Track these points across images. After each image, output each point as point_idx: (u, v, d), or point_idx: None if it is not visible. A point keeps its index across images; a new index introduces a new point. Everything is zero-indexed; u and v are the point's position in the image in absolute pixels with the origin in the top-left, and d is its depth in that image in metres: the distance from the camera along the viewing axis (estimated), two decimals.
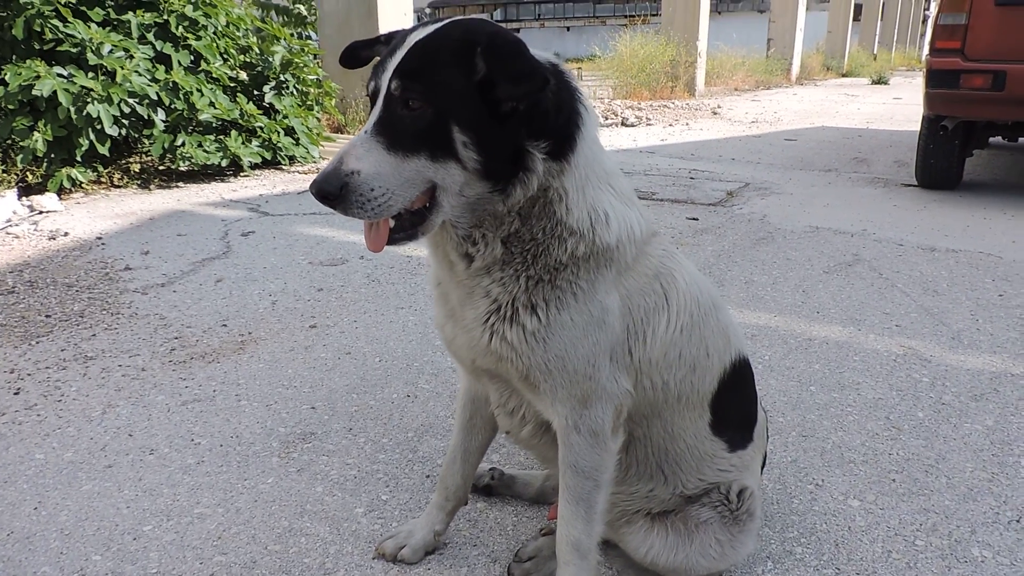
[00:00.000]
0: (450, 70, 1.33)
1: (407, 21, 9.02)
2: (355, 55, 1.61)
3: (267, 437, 2.51)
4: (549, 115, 1.37)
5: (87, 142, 5.53)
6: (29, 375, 2.92)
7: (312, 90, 7.50)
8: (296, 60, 7.10)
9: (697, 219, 5.47)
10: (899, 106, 15.27)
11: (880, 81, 23.55)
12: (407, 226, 1.40)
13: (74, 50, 5.50)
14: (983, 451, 2.42)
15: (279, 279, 4.06)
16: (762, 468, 1.92)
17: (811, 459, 2.39)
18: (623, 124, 11.41)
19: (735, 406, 1.75)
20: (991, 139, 6.84)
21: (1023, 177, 7.28)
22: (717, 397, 1.68)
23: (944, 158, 6.34)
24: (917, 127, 6.42)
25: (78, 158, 5.63)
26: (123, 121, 5.70)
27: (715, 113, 13.39)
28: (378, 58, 1.44)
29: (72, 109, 5.33)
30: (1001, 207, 5.90)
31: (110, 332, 3.32)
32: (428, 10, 47.68)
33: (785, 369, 3.02)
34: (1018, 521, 2.08)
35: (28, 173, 5.75)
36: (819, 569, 1.90)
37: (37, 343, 3.20)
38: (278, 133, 6.87)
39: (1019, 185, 6.86)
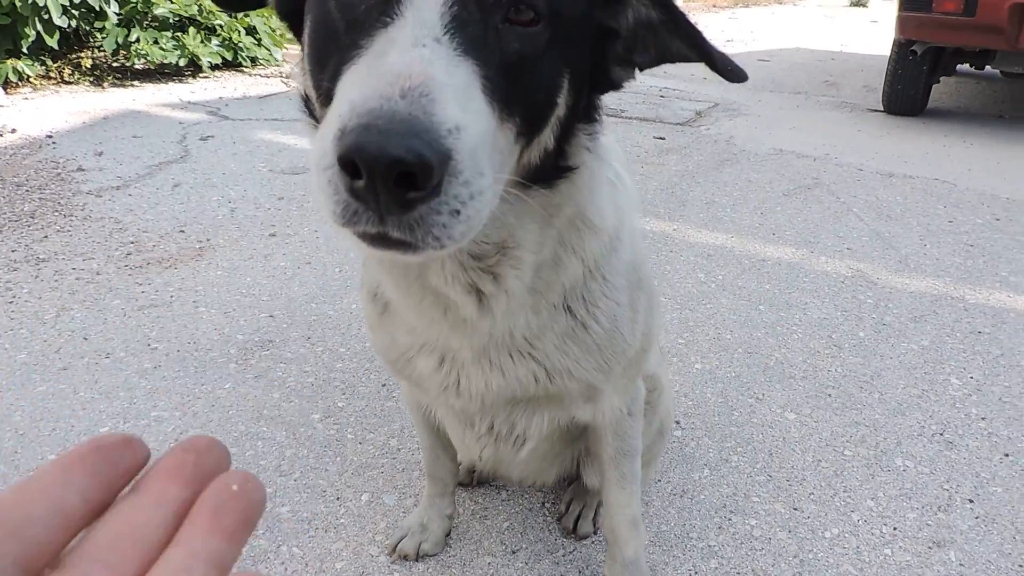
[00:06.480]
0: None
1: None
2: None
3: (225, 344, 2.53)
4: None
5: (34, 32, 5.24)
6: None
7: None
8: None
9: (664, 138, 5.45)
10: (875, 30, 15.08)
11: (859, 3, 23.15)
12: None
13: None
14: (916, 369, 2.55)
15: (239, 186, 3.98)
16: None
17: (754, 374, 2.50)
18: None
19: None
20: (958, 67, 6.84)
21: (986, 106, 7.33)
22: None
23: (911, 84, 6.34)
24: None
25: (24, 50, 5.35)
26: (72, 12, 5.40)
27: None
28: None
29: None
30: (961, 135, 5.96)
31: (63, 234, 3.26)
32: None
33: (737, 288, 3.10)
34: (941, 435, 2.21)
35: None
36: (752, 476, 2.02)
37: None
38: (239, 32, 6.56)
39: (981, 114, 6.92)
